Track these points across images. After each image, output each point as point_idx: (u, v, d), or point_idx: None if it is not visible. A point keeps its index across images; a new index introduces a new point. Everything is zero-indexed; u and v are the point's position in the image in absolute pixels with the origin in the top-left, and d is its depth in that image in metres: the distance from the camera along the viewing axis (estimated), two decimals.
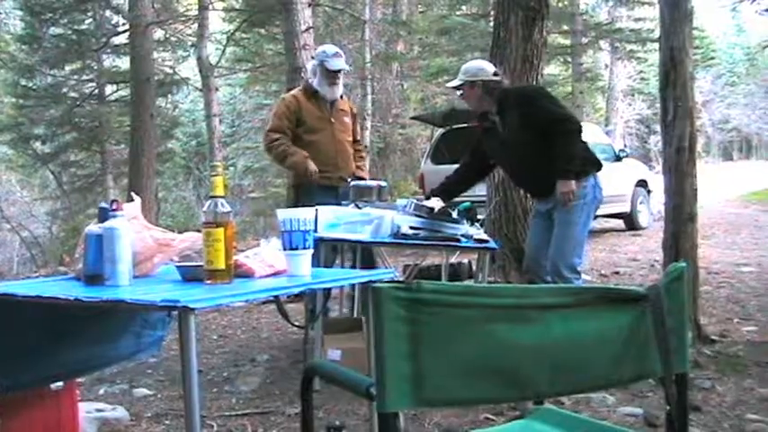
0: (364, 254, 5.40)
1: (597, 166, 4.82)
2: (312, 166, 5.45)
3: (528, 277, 5.05)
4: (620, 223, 13.22)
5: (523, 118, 4.67)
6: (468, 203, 4.49)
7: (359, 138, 6.05)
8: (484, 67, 4.93)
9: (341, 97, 5.79)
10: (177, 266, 2.60)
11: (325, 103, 5.65)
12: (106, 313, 2.89)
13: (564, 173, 4.58)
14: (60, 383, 2.97)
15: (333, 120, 5.66)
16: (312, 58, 5.94)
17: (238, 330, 6.19)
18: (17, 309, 2.48)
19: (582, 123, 4.80)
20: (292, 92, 6.03)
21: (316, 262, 2.77)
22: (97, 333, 2.93)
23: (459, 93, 5.01)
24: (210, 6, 19.08)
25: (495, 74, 4.92)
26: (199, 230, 2.46)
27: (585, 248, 4.78)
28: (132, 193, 2.89)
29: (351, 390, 1.66)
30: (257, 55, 20.78)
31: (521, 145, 4.73)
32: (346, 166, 5.63)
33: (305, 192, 5.53)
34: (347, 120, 5.79)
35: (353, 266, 5.24)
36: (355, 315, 5.23)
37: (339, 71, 5.62)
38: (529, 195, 5.28)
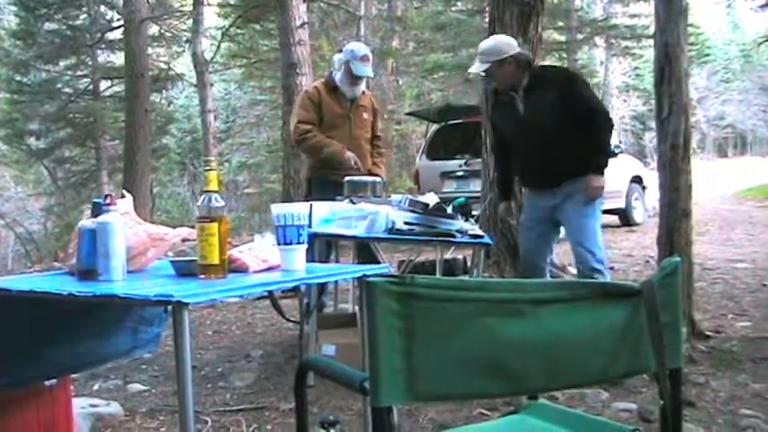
0: (363, 249, 5.39)
1: None
2: (350, 154, 5.46)
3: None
4: (615, 219, 13.24)
5: (561, 100, 4.42)
6: (462, 199, 4.49)
7: (379, 134, 5.99)
8: (509, 42, 4.64)
9: (362, 93, 5.75)
10: (171, 261, 2.59)
11: (346, 100, 5.63)
12: (101, 309, 2.88)
13: (597, 167, 4.44)
14: (54, 380, 2.96)
15: (351, 116, 5.63)
16: (340, 51, 5.90)
17: (233, 326, 6.18)
18: (12, 305, 2.47)
19: None
20: (314, 83, 6.03)
21: (310, 257, 2.77)
22: (92, 329, 2.93)
23: (482, 75, 4.73)
24: (205, 2, 19.07)
25: (518, 44, 4.68)
26: (193, 226, 2.46)
27: (553, 245, 4.75)
28: (123, 191, 2.88)
29: (344, 384, 1.66)
30: (252, 51, 20.76)
31: (546, 127, 4.47)
32: (361, 164, 5.59)
33: (317, 187, 5.53)
34: (366, 116, 5.75)
35: (362, 262, 5.22)
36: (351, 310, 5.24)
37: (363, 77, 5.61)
38: (528, 188, 4.92)
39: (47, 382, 2.93)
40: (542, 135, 4.48)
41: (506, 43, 4.60)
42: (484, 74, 4.64)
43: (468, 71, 4.88)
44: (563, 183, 4.51)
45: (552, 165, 4.52)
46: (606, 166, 4.46)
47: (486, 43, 4.68)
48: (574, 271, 7.23)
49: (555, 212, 4.61)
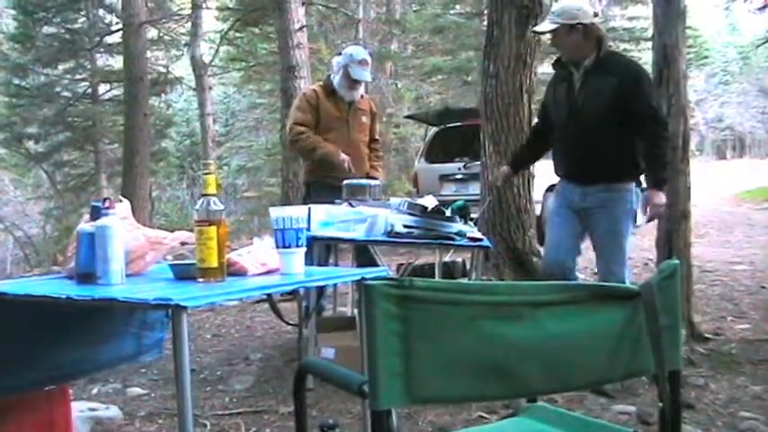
0: (362, 252, 5.38)
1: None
2: (344, 156, 5.44)
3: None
4: None
5: (621, 93, 4.04)
6: (461, 202, 4.48)
7: (377, 137, 5.98)
8: (583, 7, 4.19)
9: (361, 96, 5.74)
10: (170, 265, 2.59)
11: (344, 103, 5.61)
12: (103, 314, 2.87)
13: (658, 182, 4.13)
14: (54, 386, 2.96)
15: (349, 119, 5.62)
16: (339, 54, 5.89)
17: (232, 329, 6.17)
18: (11, 309, 2.47)
19: None
20: (312, 86, 6.04)
21: (309, 260, 2.77)
22: (94, 334, 2.92)
23: (548, 36, 4.40)
24: (204, 5, 19.08)
25: (595, 14, 4.25)
26: (191, 230, 2.45)
27: (581, 246, 4.59)
28: (121, 197, 2.88)
29: (343, 388, 1.65)
30: (251, 54, 20.77)
31: (598, 116, 4.10)
32: (359, 168, 5.57)
33: (315, 190, 5.52)
34: (365, 119, 5.74)
35: (361, 265, 5.21)
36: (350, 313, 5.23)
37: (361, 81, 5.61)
38: (560, 178, 4.44)
39: (46, 387, 2.93)
40: (591, 124, 4.13)
41: (580, 8, 4.18)
42: (550, 36, 4.30)
43: (533, 29, 4.52)
44: (597, 184, 4.16)
45: (592, 160, 4.17)
46: (666, 179, 4.18)
47: (559, 4, 4.36)
48: (580, 275, 7.24)
49: (584, 217, 4.27)
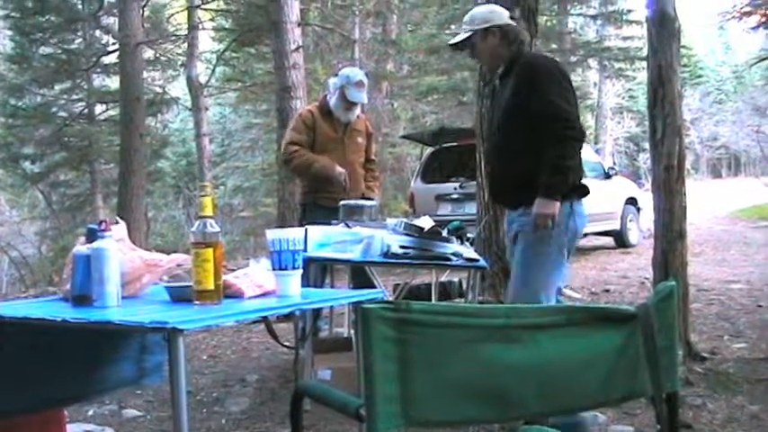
0: (358, 273, 5.37)
1: (579, 193, 3.71)
2: (340, 169, 5.44)
3: None
4: (609, 241, 13.25)
5: (516, 97, 3.61)
6: (457, 222, 4.48)
7: (373, 157, 6.00)
8: (495, 9, 3.84)
9: (357, 116, 5.74)
10: (166, 287, 2.59)
11: (340, 124, 5.62)
12: (100, 337, 2.85)
13: (547, 188, 3.50)
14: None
15: (345, 140, 5.63)
16: (335, 75, 5.89)
17: (228, 351, 6.16)
18: (9, 332, 2.46)
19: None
20: (308, 107, 6.05)
21: (305, 282, 2.76)
22: (92, 357, 2.90)
23: (461, 49, 4.02)
24: (200, 26, 19.13)
25: (511, 17, 3.82)
26: (188, 251, 2.45)
27: (574, 266, 4.39)
28: (117, 218, 2.88)
29: (340, 411, 1.65)
30: (247, 74, 20.81)
31: (501, 129, 3.73)
32: (355, 188, 5.58)
33: (311, 211, 5.52)
34: (360, 140, 5.75)
35: (358, 286, 5.19)
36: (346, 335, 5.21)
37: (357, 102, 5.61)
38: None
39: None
40: (497, 136, 3.76)
41: (492, 11, 3.83)
42: (461, 48, 3.95)
43: (448, 42, 4.11)
44: (518, 207, 3.69)
45: (505, 179, 3.77)
46: (558, 186, 3.51)
47: (473, 10, 3.95)
48: (570, 293, 7.23)
49: (515, 241, 3.76)
